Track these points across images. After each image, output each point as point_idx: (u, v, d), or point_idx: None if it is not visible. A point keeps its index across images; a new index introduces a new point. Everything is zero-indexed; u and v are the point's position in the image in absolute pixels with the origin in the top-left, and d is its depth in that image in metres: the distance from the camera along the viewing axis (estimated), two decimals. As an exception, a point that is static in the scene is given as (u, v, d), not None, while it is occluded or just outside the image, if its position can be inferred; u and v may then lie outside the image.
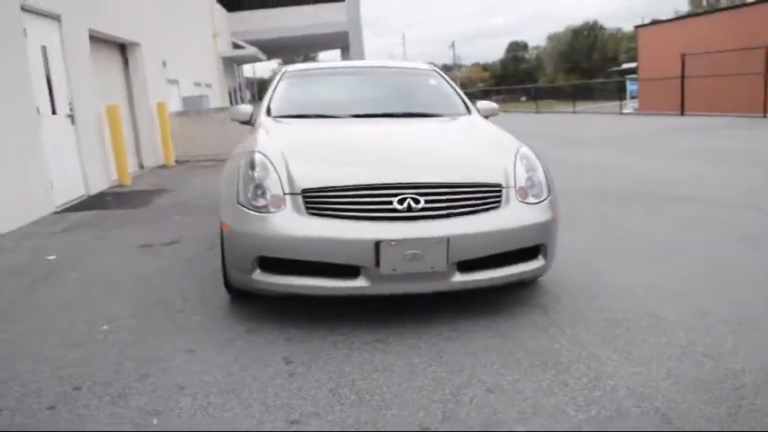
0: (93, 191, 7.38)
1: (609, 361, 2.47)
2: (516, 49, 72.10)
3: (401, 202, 2.76)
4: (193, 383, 2.36)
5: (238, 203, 2.88)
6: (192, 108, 12.08)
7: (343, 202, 2.77)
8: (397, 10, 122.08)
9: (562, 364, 2.45)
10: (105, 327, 2.97)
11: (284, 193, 2.83)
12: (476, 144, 3.41)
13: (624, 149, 9.99)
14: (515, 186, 2.97)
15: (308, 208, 2.78)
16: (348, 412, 2.13)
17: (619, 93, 24.72)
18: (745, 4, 20.33)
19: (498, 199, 2.90)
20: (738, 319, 2.83)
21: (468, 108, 4.16)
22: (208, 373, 2.45)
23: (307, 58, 41.47)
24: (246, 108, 4.13)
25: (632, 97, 27.82)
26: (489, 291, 3.06)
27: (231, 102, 19.02)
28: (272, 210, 2.80)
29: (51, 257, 4.37)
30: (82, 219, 5.84)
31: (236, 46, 20.06)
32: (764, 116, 14.70)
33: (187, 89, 13.24)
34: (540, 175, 3.11)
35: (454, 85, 4.50)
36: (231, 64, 20.48)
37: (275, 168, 2.93)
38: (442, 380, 2.35)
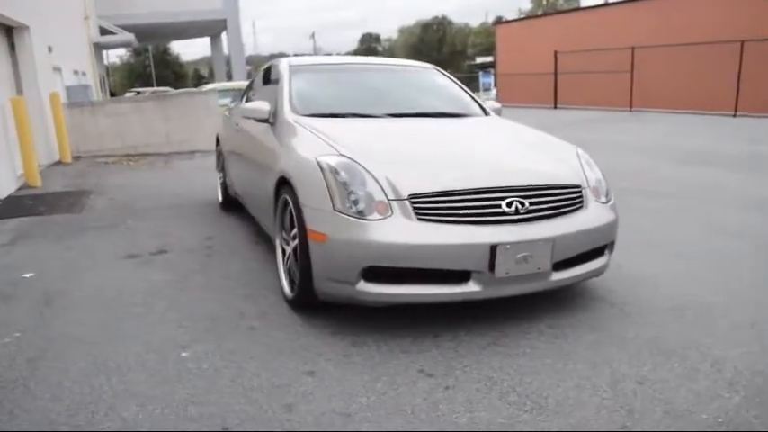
0: (3, 194, 6.40)
1: (712, 345, 2.70)
2: (369, 40, 73.66)
3: (509, 205, 2.77)
4: (354, 408, 2.20)
5: (336, 211, 2.71)
6: (78, 98, 10.89)
7: (454, 206, 2.72)
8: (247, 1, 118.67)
9: (676, 352, 2.63)
10: (185, 354, 2.64)
11: (389, 199, 2.71)
12: (536, 146, 3.49)
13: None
14: (590, 187, 3.12)
15: (417, 214, 2.69)
16: (542, 418, 2.12)
17: (471, 85, 26.00)
18: (607, 4, 22.40)
19: (581, 199, 3.02)
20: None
21: (482, 108, 4.24)
22: (356, 394, 2.29)
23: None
24: (263, 105, 3.82)
25: (485, 90, 29.62)
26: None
27: (102, 92, 17.34)
28: (378, 217, 2.67)
29: (28, 275, 3.75)
30: (21, 228, 5.05)
31: (103, 31, 18.28)
32: (630, 110, 16.57)
33: (68, 78, 11.87)
34: (602, 176, 3.28)
35: (459, 83, 4.55)
36: (99, 50, 18.65)
37: (369, 173, 2.79)
38: (590, 377, 2.42)
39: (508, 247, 2.69)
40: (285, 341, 2.76)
